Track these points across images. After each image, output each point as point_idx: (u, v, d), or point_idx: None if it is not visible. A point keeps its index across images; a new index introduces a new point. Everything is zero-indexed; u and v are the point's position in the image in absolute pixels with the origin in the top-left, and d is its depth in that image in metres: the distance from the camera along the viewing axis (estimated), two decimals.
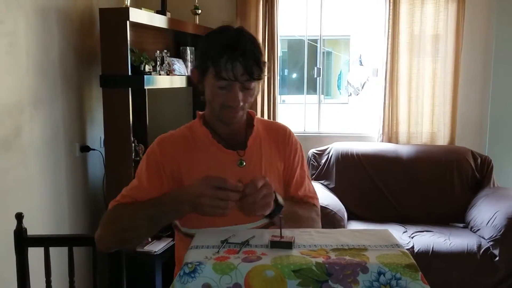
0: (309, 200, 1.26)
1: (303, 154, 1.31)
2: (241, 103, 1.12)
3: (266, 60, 1.17)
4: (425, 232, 2.78)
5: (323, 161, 3.20)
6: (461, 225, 2.95)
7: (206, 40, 1.13)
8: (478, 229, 2.74)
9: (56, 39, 2.40)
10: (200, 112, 1.26)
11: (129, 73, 2.39)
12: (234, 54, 1.06)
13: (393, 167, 3.09)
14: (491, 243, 2.57)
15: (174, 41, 3.19)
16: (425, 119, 3.30)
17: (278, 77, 3.39)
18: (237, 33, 1.10)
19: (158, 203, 1.06)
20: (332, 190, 3.09)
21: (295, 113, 4.37)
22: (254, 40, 1.12)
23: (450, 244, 2.60)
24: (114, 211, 1.13)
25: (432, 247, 2.57)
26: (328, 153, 3.21)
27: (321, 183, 3.14)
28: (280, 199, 1.10)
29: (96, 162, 2.72)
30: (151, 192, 1.13)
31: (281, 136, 1.27)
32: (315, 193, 1.30)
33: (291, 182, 1.25)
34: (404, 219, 3.00)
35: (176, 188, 1.13)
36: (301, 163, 1.28)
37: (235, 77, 1.07)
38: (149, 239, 2.62)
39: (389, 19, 3.23)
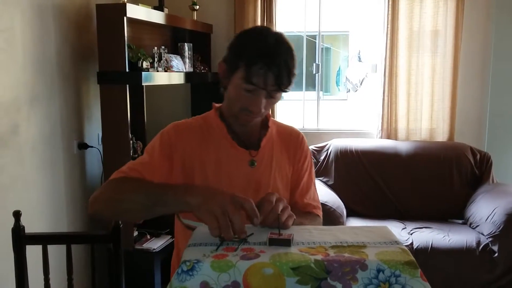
0: (313, 210, 1.25)
1: (312, 161, 1.30)
2: (263, 110, 1.11)
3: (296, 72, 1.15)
4: (424, 229, 2.78)
5: (322, 157, 3.20)
6: (460, 221, 2.95)
7: (243, 39, 1.11)
8: (477, 225, 2.74)
9: (53, 35, 2.39)
10: (217, 105, 1.24)
11: (127, 70, 2.38)
12: (269, 63, 1.04)
13: (392, 164, 3.08)
14: (490, 239, 2.57)
15: (172, 37, 3.18)
16: (424, 115, 3.30)
17: None
18: (276, 41, 1.08)
19: (164, 188, 1.00)
20: (331, 186, 3.08)
21: (294, 109, 4.36)
22: (291, 51, 1.09)
23: (449, 241, 2.60)
24: (118, 181, 1.08)
25: (431, 244, 2.57)
26: (327, 149, 3.20)
27: (320, 179, 3.14)
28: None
29: (94, 159, 2.71)
30: (160, 171, 1.10)
31: (293, 141, 1.26)
32: (319, 202, 1.29)
33: (297, 188, 1.24)
34: (403, 216, 3.00)
35: (190, 184, 1.11)
36: (309, 170, 1.27)
37: (265, 85, 1.06)
38: (148, 236, 2.62)
39: (388, 14, 3.22)
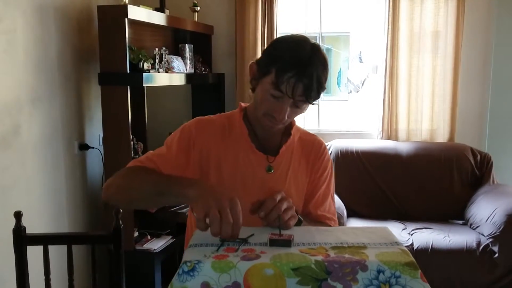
0: (326, 221, 1.23)
1: (332, 172, 1.27)
2: (286, 118, 1.10)
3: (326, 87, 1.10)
4: (424, 229, 2.78)
5: None
6: (461, 222, 2.95)
7: (279, 44, 1.09)
8: (478, 226, 2.74)
9: (54, 37, 2.39)
10: (243, 104, 1.23)
11: (128, 71, 2.39)
12: (301, 73, 1.02)
13: (393, 165, 3.08)
14: (491, 240, 2.57)
15: (173, 38, 3.18)
16: (425, 116, 3.30)
17: None
18: (312, 53, 1.05)
19: (171, 180, 1.02)
20: None
21: None
22: (325, 65, 1.07)
23: (449, 241, 2.60)
24: (133, 169, 1.10)
25: (432, 244, 2.57)
26: (328, 150, 3.20)
27: None
28: (299, 213, 1.09)
29: (95, 160, 2.71)
30: (176, 165, 1.11)
31: (314, 150, 1.24)
32: (334, 214, 1.25)
33: (312, 199, 1.22)
34: (403, 216, 3.00)
35: (197, 178, 1.11)
36: (327, 182, 1.24)
37: (292, 94, 1.04)
38: (148, 237, 2.62)
39: (388, 15, 3.22)
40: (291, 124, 1.23)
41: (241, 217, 0.89)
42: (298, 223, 1.06)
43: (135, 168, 1.10)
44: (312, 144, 1.25)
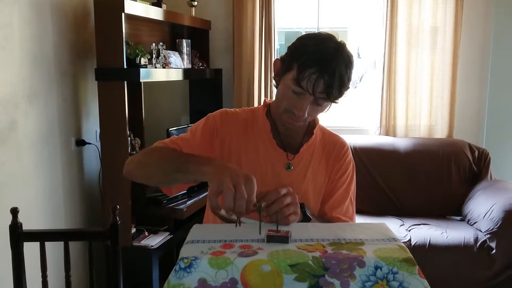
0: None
1: (353, 175, 1.25)
2: (306, 115, 1.09)
3: (349, 87, 1.12)
4: (422, 225, 2.78)
5: None
6: (458, 218, 2.96)
7: (303, 41, 1.09)
8: (475, 222, 2.74)
9: (51, 32, 2.38)
10: (268, 100, 1.24)
11: (125, 66, 2.37)
12: (323, 70, 1.01)
13: (391, 160, 3.08)
14: (488, 236, 2.57)
15: (170, 33, 3.16)
16: (423, 112, 3.29)
17: None
18: (336, 50, 1.05)
19: (188, 157, 1.01)
20: None
21: None
22: (349, 63, 1.06)
23: (447, 237, 2.60)
24: (155, 148, 1.12)
25: (429, 240, 2.58)
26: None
27: None
28: (309, 211, 1.08)
29: (92, 156, 2.70)
30: (198, 151, 1.11)
31: (336, 151, 1.23)
32: (351, 218, 1.23)
33: (329, 200, 1.20)
34: (401, 212, 3.00)
35: (213, 157, 1.11)
36: (347, 184, 1.22)
37: (313, 91, 1.03)
38: (146, 233, 2.62)
39: (387, 11, 3.21)
40: (315, 123, 1.22)
41: (254, 194, 0.88)
42: (306, 221, 1.05)
43: (156, 148, 1.12)
44: (335, 145, 1.24)
